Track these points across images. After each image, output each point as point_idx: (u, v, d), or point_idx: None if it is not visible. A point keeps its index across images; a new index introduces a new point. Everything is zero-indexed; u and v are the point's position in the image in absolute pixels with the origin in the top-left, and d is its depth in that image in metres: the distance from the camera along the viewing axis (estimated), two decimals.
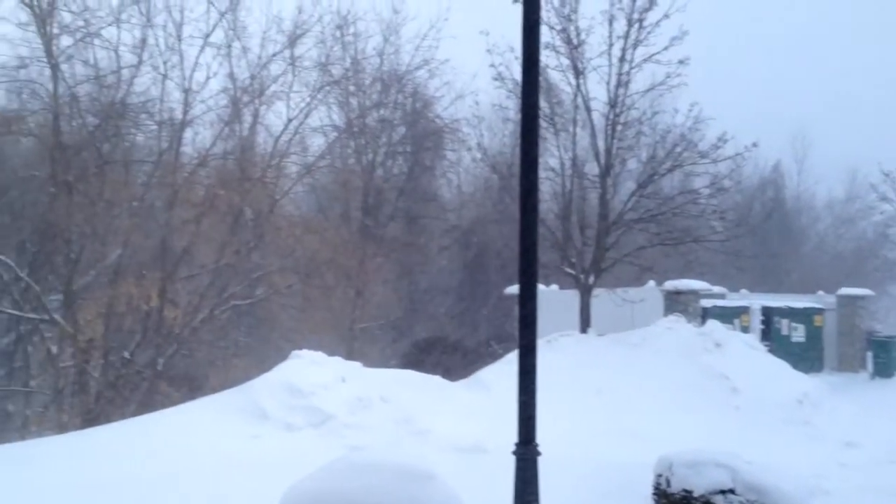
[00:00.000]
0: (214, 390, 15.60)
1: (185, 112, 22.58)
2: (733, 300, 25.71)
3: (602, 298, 19.59)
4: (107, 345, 20.52)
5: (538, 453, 7.25)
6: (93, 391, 20.01)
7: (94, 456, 10.36)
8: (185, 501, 8.86)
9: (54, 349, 20.50)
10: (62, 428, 17.93)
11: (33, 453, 10.80)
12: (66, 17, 21.11)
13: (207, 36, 22.78)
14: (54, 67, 20.77)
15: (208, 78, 23.12)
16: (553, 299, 22.55)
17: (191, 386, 20.73)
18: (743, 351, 16.48)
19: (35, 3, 20.47)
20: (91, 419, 18.30)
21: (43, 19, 20.56)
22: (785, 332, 25.34)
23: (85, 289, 21.06)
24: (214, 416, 11.97)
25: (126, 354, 20.68)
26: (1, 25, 20.72)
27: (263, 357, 21.75)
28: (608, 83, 19.48)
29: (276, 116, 25.65)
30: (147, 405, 18.68)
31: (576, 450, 10.91)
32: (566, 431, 11.48)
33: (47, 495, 8.65)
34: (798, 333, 25.63)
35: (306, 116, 25.48)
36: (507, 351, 18.19)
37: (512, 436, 7.25)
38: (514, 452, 7.24)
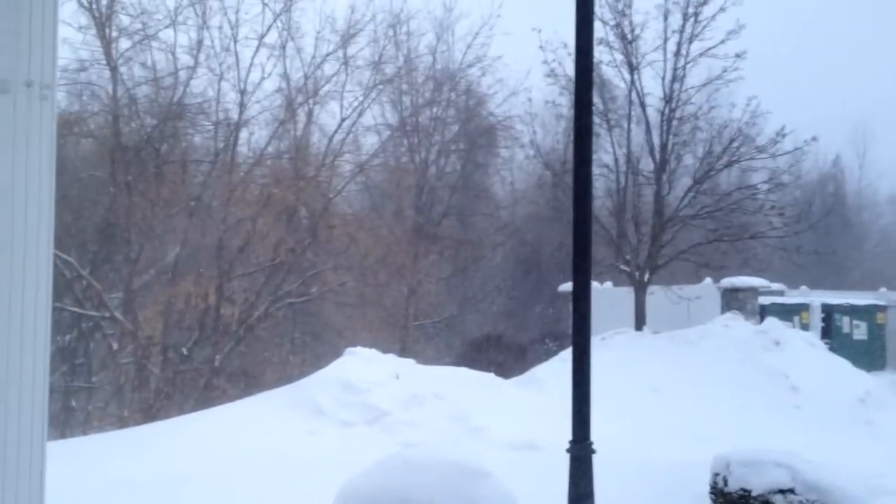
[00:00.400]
0: (270, 387, 15.76)
1: (241, 112, 22.87)
2: (792, 297, 25.20)
3: (657, 296, 19.37)
4: (166, 342, 20.87)
5: (593, 451, 7.18)
6: (152, 387, 20.35)
7: (154, 451, 10.53)
8: (242, 496, 8.96)
9: (115, 346, 20.90)
10: (123, 423, 18.25)
11: (95, 448, 11.02)
12: (125, 21, 21.52)
13: (262, 37, 23.04)
14: (113, 70, 21.16)
15: (263, 78, 23.39)
16: (607, 297, 22.35)
17: (247, 382, 20.98)
18: (803, 349, 16.16)
19: (94, 7, 20.88)
20: (151, 415, 18.62)
21: (102, 23, 20.96)
22: (846, 329, 24.77)
23: (144, 287, 21.44)
24: (271, 413, 12.09)
25: (184, 351, 21.00)
26: (62, 29, 21.18)
27: (318, 354, 21.94)
28: (663, 78, 19.29)
29: (329, 116, 25.84)
30: (205, 401, 18.96)
31: (631, 448, 10.79)
32: (621, 429, 11.37)
33: (109, 489, 8.81)
34: (860, 331, 25.03)
35: (360, 115, 25.63)
36: (561, 348, 18.10)
37: (566, 433, 7.20)
38: (569, 450, 7.18)
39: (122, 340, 20.91)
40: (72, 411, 20.11)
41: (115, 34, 21.29)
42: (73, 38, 20.82)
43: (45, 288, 3.29)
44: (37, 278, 3.26)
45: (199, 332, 21.39)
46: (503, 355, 23.23)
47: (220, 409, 13.30)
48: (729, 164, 19.85)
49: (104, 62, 21.21)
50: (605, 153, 19.95)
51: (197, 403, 19.04)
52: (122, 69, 21.64)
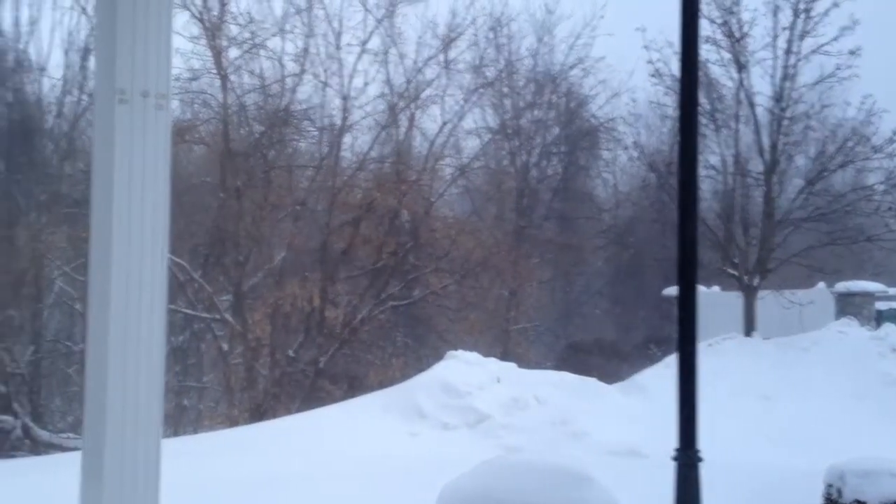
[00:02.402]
0: (373, 389, 15.98)
1: (344, 118, 23.23)
2: None
3: (767, 301, 18.83)
4: (273, 343, 21.36)
5: (700, 459, 7.02)
6: (260, 388, 20.86)
7: (262, 450, 10.80)
8: (345, 496, 9.09)
9: (225, 347, 21.50)
10: (232, 422, 18.77)
11: (206, 446, 11.37)
12: (234, 30, 22.14)
13: (364, 43, 23.35)
14: (223, 78, 21.79)
15: (366, 84, 23.70)
16: (714, 301, 21.81)
17: (351, 384, 21.30)
18: None
19: (206, 17, 21.56)
20: (259, 414, 19.10)
21: (212, 33, 21.61)
22: None
23: (253, 290, 21.99)
24: (373, 414, 12.25)
25: (290, 353, 21.46)
26: (175, 40, 21.93)
27: (420, 357, 22.11)
28: (773, 76, 18.79)
29: (431, 120, 26.01)
30: (310, 402, 19.33)
31: (740, 457, 10.51)
32: (729, 437, 11.09)
33: (219, 486, 9.07)
34: None
35: (460, 119, 25.73)
36: (666, 354, 17.76)
37: (672, 441, 7.05)
38: (675, 458, 7.03)
39: (231, 342, 21.50)
40: (184, 410, 20.79)
41: (225, 44, 21.93)
42: (185, 48, 21.55)
43: (160, 290, 3.41)
44: (153, 281, 3.37)
45: (305, 335, 21.81)
46: (605, 360, 22.95)
47: (324, 410, 13.55)
48: (843, 165, 19.20)
49: (215, 71, 21.87)
50: (711, 154, 19.55)
51: (302, 404, 19.43)
52: (232, 77, 22.27)
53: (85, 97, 25.20)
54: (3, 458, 16.34)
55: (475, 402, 12.39)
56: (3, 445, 17.28)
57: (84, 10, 24.63)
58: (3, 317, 19.75)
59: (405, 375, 15.93)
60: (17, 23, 25.29)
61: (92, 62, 23.33)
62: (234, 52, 22.32)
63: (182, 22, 20.99)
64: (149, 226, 3.35)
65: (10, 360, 18.33)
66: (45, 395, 21.36)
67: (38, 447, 17.32)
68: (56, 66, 25.74)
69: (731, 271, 19.15)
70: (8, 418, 17.42)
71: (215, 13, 21.67)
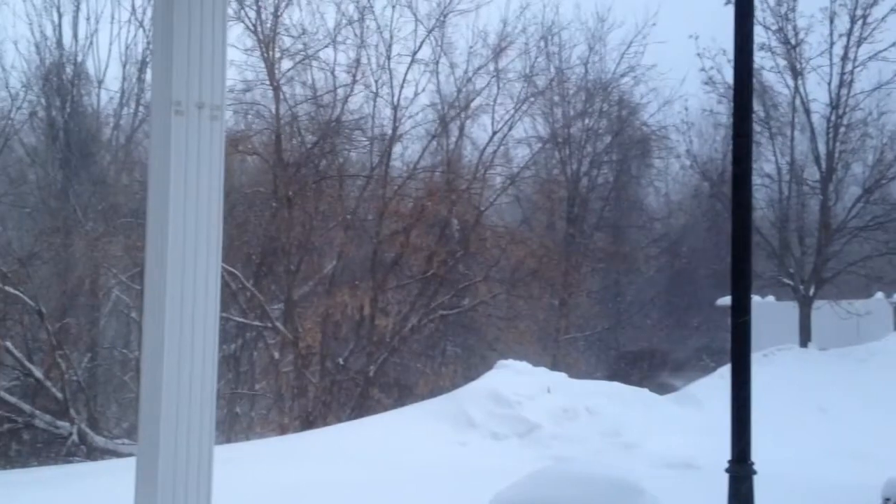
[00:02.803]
0: (423, 397, 16.00)
1: (395, 128, 23.36)
2: None
3: (824, 311, 18.50)
4: (324, 351, 21.51)
5: (753, 472, 6.90)
6: (311, 396, 21.00)
7: (313, 458, 10.87)
8: None
9: (276, 355, 21.69)
10: (283, 430, 18.92)
11: (257, 453, 11.47)
12: (287, 42, 22.41)
13: (415, 53, 23.47)
14: (276, 89, 22.05)
15: (416, 94, 23.81)
16: (769, 311, 21.47)
17: (401, 392, 21.35)
18: None
19: (259, 29, 21.86)
20: (309, 422, 19.22)
21: (266, 44, 21.89)
22: None
23: (304, 298, 22.17)
24: (423, 423, 12.26)
25: (340, 361, 21.58)
26: (229, 52, 22.23)
27: (470, 366, 22.08)
28: (829, 83, 18.52)
29: (481, 129, 26.03)
30: (360, 410, 19.42)
31: (794, 469, 10.32)
32: (784, 450, 10.90)
33: (269, 493, 9.15)
34: None
35: (511, 128, 25.69)
36: (719, 365, 17.54)
37: (725, 453, 6.95)
38: (728, 470, 6.93)
39: (283, 350, 21.68)
40: (236, 417, 20.98)
41: (277, 55, 22.20)
42: (239, 59, 21.86)
43: (213, 298, 3.45)
44: (206, 289, 3.42)
45: (355, 343, 21.93)
46: (657, 370, 22.72)
47: (374, 418, 13.60)
48: None
49: (267, 82, 22.15)
50: (766, 162, 19.33)
51: (353, 412, 19.52)
52: (285, 88, 22.53)
53: (142, 109, 25.74)
54: (61, 463, 16.68)
55: (525, 411, 12.35)
56: (61, 451, 17.61)
57: (141, 23, 25.21)
58: (61, 325, 20.16)
59: (455, 384, 15.92)
60: (76, 37, 25.94)
61: (148, 75, 23.83)
62: (286, 64, 22.60)
63: (236, 34, 21.32)
64: (203, 235, 3.40)
65: (68, 367, 18.70)
66: (101, 402, 21.72)
67: (94, 453, 17.61)
68: (114, 79, 26.38)
69: (787, 281, 18.86)
70: (65, 424, 17.75)
71: (269, 25, 21.96)
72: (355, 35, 23.06)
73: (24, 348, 18.84)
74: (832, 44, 18.33)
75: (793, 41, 18.43)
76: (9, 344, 18.01)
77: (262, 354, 22.60)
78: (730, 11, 7.31)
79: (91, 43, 25.98)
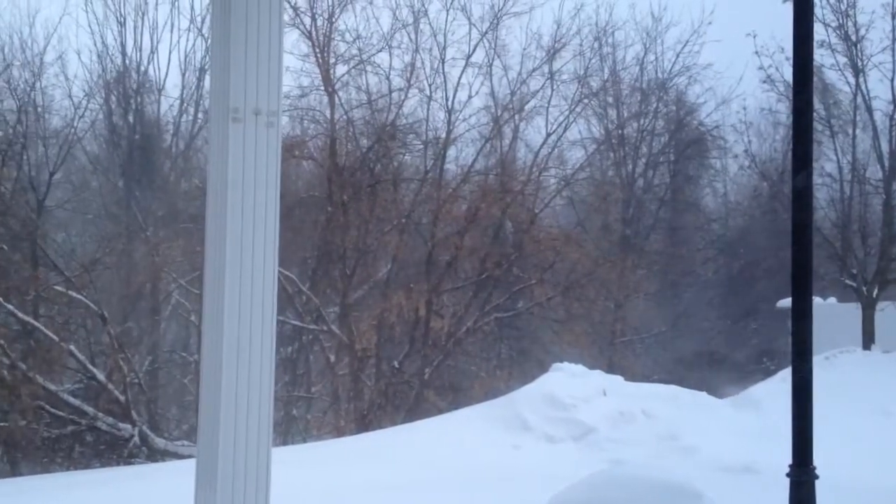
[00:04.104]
0: (478, 400, 15.99)
1: (449, 131, 23.41)
2: None
3: (888, 312, 18.10)
4: (379, 354, 21.63)
5: (815, 476, 6.76)
6: (366, 398, 21.13)
7: (367, 459, 10.94)
8: None
9: (332, 358, 21.87)
10: (339, 432, 19.06)
11: (314, 455, 11.58)
12: (342, 47, 22.61)
13: (469, 56, 23.51)
14: (331, 95, 22.25)
15: (470, 97, 23.85)
16: (830, 313, 21.04)
17: (455, 395, 21.36)
18: None
19: (314, 35, 22.08)
20: (365, 425, 19.34)
21: (321, 50, 22.11)
22: None
23: (359, 301, 22.33)
24: (478, 426, 12.26)
25: (395, 364, 21.68)
26: (285, 58, 22.50)
27: (525, 369, 22.00)
28: (892, 80, 18.09)
29: (535, 131, 25.97)
30: (415, 413, 19.47)
31: (858, 474, 10.08)
32: (847, 455, 10.65)
33: (326, 495, 9.22)
34: None
35: (565, 130, 25.59)
36: (780, 368, 17.25)
37: (786, 457, 6.82)
38: (789, 475, 6.80)
39: (338, 353, 21.85)
40: (293, 420, 21.20)
41: (332, 60, 22.41)
42: (294, 65, 22.12)
43: (270, 302, 3.50)
44: (263, 293, 3.47)
45: (410, 346, 22.01)
46: (716, 374, 22.41)
47: (428, 421, 13.63)
48: None
49: (322, 88, 22.36)
50: (827, 161, 18.98)
51: (408, 415, 19.59)
52: (339, 93, 22.73)
53: (200, 116, 26.17)
54: (123, 464, 17.03)
55: (580, 414, 12.27)
56: (122, 453, 17.96)
57: (200, 31, 25.63)
58: (123, 329, 20.59)
59: (509, 387, 15.87)
60: (137, 46, 26.48)
61: (207, 82, 24.23)
62: (341, 69, 22.80)
63: (292, 40, 21.57)
64: (260, 240, 3.45)
65: (129, 370, 19.08)
66: (161, 405, 22.12)
67: (155, 454, 17.93)
68: (173, 87, 26.84)
69: (849, 282, 18.50)
70: (127, 426, 18.11)
71: (324, 31, 22.18)
72: (409, 39, 23.20)
73: (87, 352, 19.27)
74: (894, 39, 17.97)
75: (853, 38, 18.09)
76: (73, 347, 18.44)
77: (318, 357, 22.80)
78: (788, 8, 7.19)
79: (152, 51, 26.50)
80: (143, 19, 26.33)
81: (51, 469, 17.03)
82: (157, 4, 26.75)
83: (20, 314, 17.99)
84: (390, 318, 21.23)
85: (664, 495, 5.75)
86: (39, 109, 24.43)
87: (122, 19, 26.16)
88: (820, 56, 17.29)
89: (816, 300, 7.93)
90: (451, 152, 24.31)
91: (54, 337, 18.14)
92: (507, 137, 25.40)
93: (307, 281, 22.13)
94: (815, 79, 7.70)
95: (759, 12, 18.38)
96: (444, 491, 9.60)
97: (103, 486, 10.14)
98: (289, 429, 20.71)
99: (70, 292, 18.88)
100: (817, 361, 7.64)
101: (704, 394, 14.24)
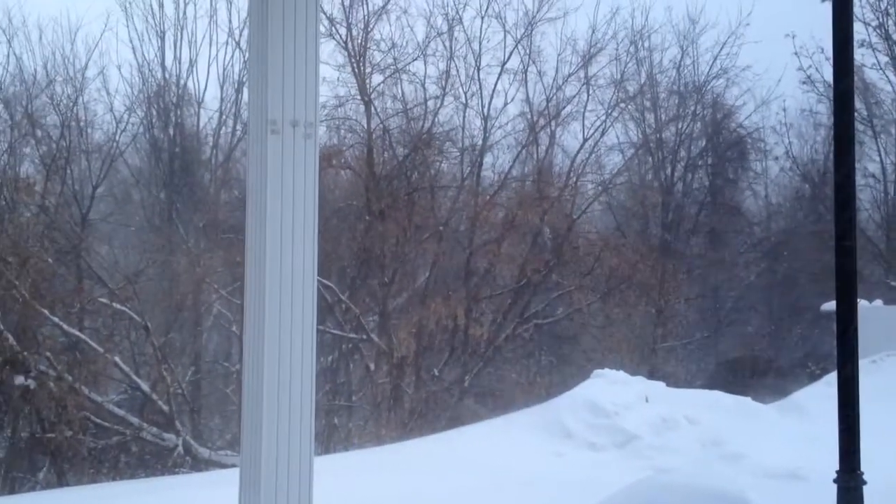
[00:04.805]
0: (518, 408, 15.92)
1: (485, 138, 23.45)
2: None
3: None
4: (418, 362, 21.64)
5: (863, 482, 6.65)
6: (406, 406, 21.14)
7: (408, 467, 10.93)
8: None
9: (372, 366, 21.93)
10: (380, 441, 19.07)
11: (356, 463, 11.60)
12: (377, 56, 22.73)
13: (504, 63, 23.53)
14: (367, 104, 22.37)
15: (506, 104, 23.87)
16: (876, 316, 20.63)
17: (495, 403, 21.29)
18: None
19: (350, 45, 22.22)
20: (406, 433, 19.34)
21: (357, 60, 22.25)
22: None
23: (398, 309, 22.38)
24: (519, 433, 12.21)
25: (435, 372, 21.68)
26: (322, 69, 22.64)
27: (565, 375, 21.89)
28: None
29: (571, 136, 25.89)
30: (455, 420, 19.44)
31: None
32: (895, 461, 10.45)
33: (368, 503, 9.23)
34: None
35: (602, 135, 25.48)
36: (825, 372, 17.00)
37: (833, 463, 6.71)
38: (836, 481, 6.69)
39: (378, 361, 21.91)
40: (334, 428, 21.27)
41: (368, 70, 22.54)
42: (331, 76, 22.27)
43: (310, 311, 3.52)
44: (303, 303, 3.49)
45: (449, 353, 22.00)
46: (760, 379, 22.12)
47: (469, 428, 13.60)
48: None
49: (358, 97, 22.49)
50: (870, 162, 18.74)
51: (448, 423, 19.57)
52: (376, 102, 22.84)
53: (239, 128, 26.43)
54: (167, 474, 17.20)
55: (623, 421, 12.17)
56: (167, 462, 18.15)
57: (238, 44, 25.90)
58: (166, 339, 20.82)
59: (550, 394, 15.80)
60: (177, 59, 26.83)
61: (245, 95, 24.46)
62: (377, 78, 22.92)
63: (328, 51, 21.73)
64: (299, 250, 3.48)
65: (173, 380, 19.29)
66: (204, 415, 22.33)
67: (199, 464, 18.10)
68: (213, 99, 27.13)
69: (895, 284, 18.15)
70: (171, 436, 18.30)
71: (359, 41, 22.31)
72: (444, 47, 23.27)
73: (131, 363, 19.53)
74: None
75: (894, 36, 17.82)
76: (117, 359, 18.69)
77: (358, 366, 22.87)
78: (827, 8, 7.11)
79: (191, 65, 26.83)
80: (181, 33, 26.64)
81: (97, 479, 17.26)
82: (195, 18, 27.09)
83: (66, 326, 18.28)
84: (429, 325, 21.25)
85: (710, 503, 5.68)
86: (82, 124, 24.81)
87: (162, 34, 26.50)
88: (860, 55, 17.07)
89: (862, 302, 7.81)
90: (488, 159, 24.35)
91: (99, 349, 18.40)
92: (543, 143, 25.36)
93: (346, 290, 22.21)
94: (855, 78, 7.58)
95: (798, 13, 18.16)
96: (486, 499, 9.57)
97: (148, 495, 10.25)
98: (330, 438, 20.77)
99: (114, 304, 19.15)
100: (863, 365, 7.51)
101: (748, 399, 14.04)
